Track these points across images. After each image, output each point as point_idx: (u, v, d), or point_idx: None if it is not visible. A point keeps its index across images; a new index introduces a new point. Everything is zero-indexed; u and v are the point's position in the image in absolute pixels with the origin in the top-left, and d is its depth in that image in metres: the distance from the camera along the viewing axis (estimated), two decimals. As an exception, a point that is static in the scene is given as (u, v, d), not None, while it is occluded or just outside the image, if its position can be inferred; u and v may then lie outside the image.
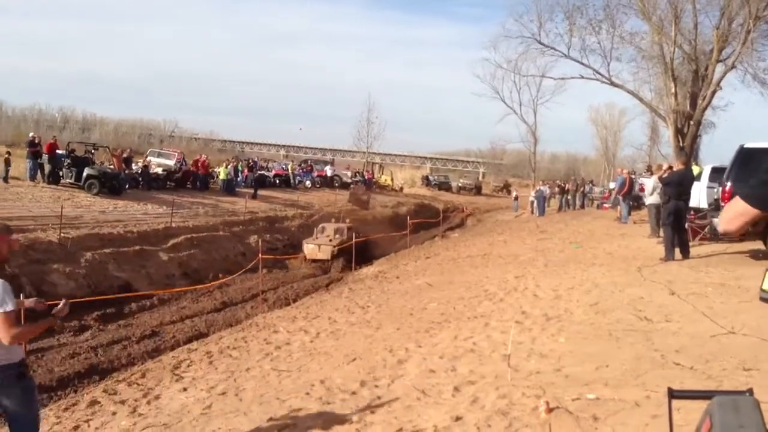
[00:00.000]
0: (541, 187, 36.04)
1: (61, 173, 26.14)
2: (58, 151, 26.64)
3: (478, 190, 69.97)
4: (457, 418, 5.00)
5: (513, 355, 6.35)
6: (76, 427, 6.45)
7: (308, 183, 45.89)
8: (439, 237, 30.21)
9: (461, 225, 39.61)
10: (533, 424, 4.70)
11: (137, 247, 19.49)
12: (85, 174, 25.69)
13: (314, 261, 22.22)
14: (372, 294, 13.19)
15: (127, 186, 27.71)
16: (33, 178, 26.16)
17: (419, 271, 16.00)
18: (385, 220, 34.78)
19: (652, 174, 19.61)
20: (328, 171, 50.61)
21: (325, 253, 22.16)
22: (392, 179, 60.02)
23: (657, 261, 12.23)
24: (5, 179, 25.28)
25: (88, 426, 6.47)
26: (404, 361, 7.08)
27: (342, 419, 5.41)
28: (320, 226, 24.57)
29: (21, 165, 27.74)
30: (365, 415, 5.44)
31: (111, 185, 26.14)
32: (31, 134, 28.55)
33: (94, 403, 7.38)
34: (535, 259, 14.68)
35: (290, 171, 45.89)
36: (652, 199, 16.80)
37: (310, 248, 22.55)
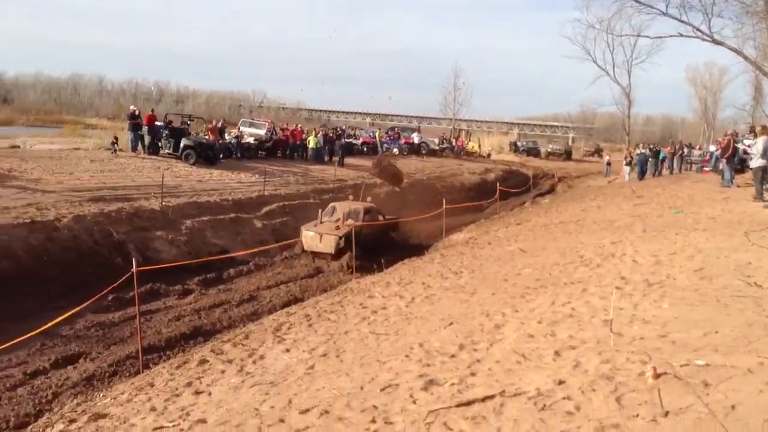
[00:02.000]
0: (642, 150, 34.72)
1: (160, 144, 27.15)
2: (156, 123, 27.64)
3: (568, 155, 68.27)
4: (560, 382, 4.98)
5: (615, 320, 6.25)
6: (189, 384, 6.80)
7: (395, 150, 45.96)
8: (529, 203, 29.77)
9: (551, 191, 38.86)
10: (640, 389, 4.62)
11: (232, 215, 20.13)
12: (182, 144, 26.62)
13: (314, 254, 17.37)
14: (464, 259, 13.18)
15: (221, 156, 28.52)
16: (134, 149, 27.28)
17: (511, 237, 15.85)
18: (458, 190, 33.84)
19: (756, 136, 18.61)
20: (415, 138, 50.45)
21: (327, 245, 17.02)
22: (479, 146, 59.31)
23: (765, 226, 11.68)
24: (114, 151, 26.46)
25: (200, 383, 6.80)
26: (501, 325, 7.07)
27: (443, 380, 5.47)
28: (331, 205, 19.25)
29: (122, 137, 28.99)
30: (466, 377, 5.49)
31: (206, 155, 26.98)
32: (131, 107, 29.68)
33: (203, 361, 7.74)
34: (632, 225, 14.27)
35: (377, 139, 46.07)
36: (759, 161, 15.98)
37: (309, 237, 17.43)
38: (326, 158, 35.15)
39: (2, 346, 9.33)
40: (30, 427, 6.84)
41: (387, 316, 8.69)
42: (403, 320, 8.30)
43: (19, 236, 13.93)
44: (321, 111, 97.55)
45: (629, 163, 35.63)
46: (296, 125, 39.91)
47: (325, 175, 30.20)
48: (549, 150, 68.29)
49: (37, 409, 8.11)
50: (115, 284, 10.29)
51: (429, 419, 4.64)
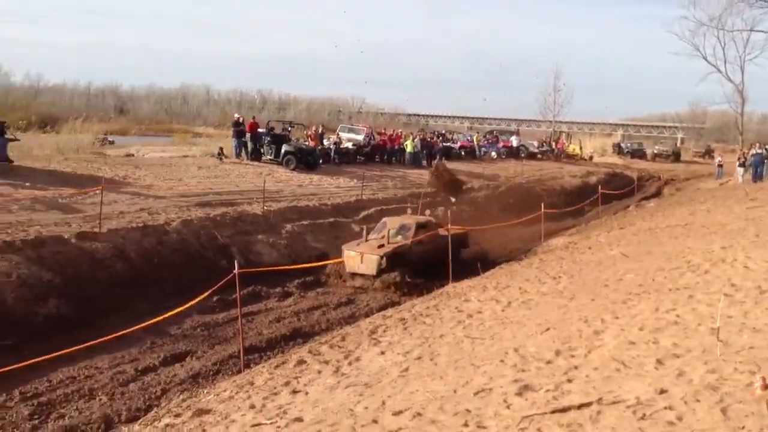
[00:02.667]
0: (757, 151, 32.85)
1: (262, 150, 28.01)
2: (259, 130, 28.55)
3: (676, 156, 65.40)
4: (662, 391, 4.79)
5: (722, 328, 5.95)
6: (287, 383, 6.98)
7: (494, 154, 45.48)
8: (633, 207, 28.77)
9: (657, 194, 37.38)
10: (747, 400, 4.39)
11: (331, 219, 20.51)
12: (283, 150, 27.36)
13: (355, 276, 15.38)
14: (563, 264, 12.90)
15: (320, 161, 29.10)
16: (238, 155, 28.25)
17: (613, 241, 15.38)
18: (558, 194, 32.83)
19: None
20: (514, 141, 49.78)
21: (368, 266, 15.05)
22: (581, 148, 57.82)
23: None
24: (220, 158, 27.49)
25: (297, 382, 6.97)
26: (601, 332, 6.87)
27: (538, 386, 5.38)
28: (382, 221, 17.21)
29: (227, 144, 30.11)
30: (562, 383, 5.37)
31: (306, 161, 27.61)
32: (236, 115, 30.80)
33: (301, 362, 7.94)
34: (744, 229, 13.54)
35: (475, 142, 45.76)
36: None
37: (350, 257, 15.46)
38: (423, 162, 35.21)
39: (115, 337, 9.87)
40: (140, 420, 7.19)
41: (482, 321, 8.62)
42: (499, 324, 8.21)
43: (133, 239, 14.72)
44: (419, 115, 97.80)
45: (743, 164, 33.79)
46: (393, 130, 40.22)
47: (423, 180, 30.25)
48: (655, 151, 65.68)
49: (147, 404, 8.55)
50: (217, 286, 10.66)
51: (523, 425, 4.57)
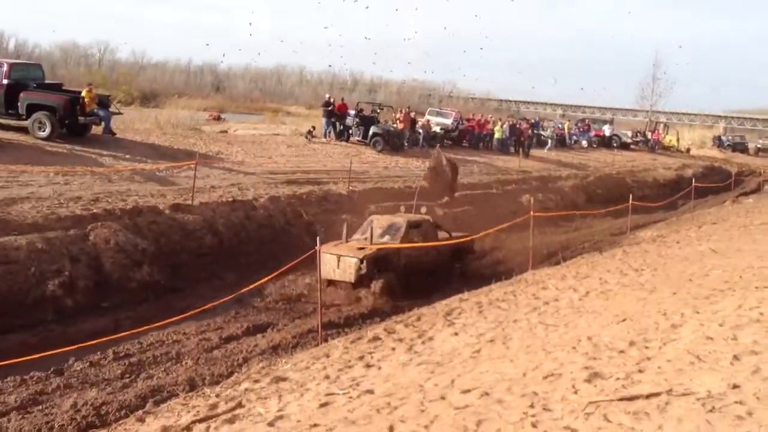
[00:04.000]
0: None
1: (350, 131, 28.44)
2: (348, 111, 28.97)
3: (781, 151, 62.03)
4: (735, 386, 4.70)
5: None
6: (361, 357, 7.21)
7: (584, 143, 44.44)
8: (729, 202, 27.63)
9: (757, 190, 35.72)
10: (825, 401, 4.27)
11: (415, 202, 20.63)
12: (371, 132, 27.70)
13: (331, 285, 13.08)
14: (647, 257, 12.62)
15: (407, 144, 29.27)
16: (326, 135, 28.77)
17: (703, 236, 14.91)
18: (650, 186, 31.71)
19: None
20: (607, 130, 48.42)
21: (345, 271, 12.68)
22: (677, 140, 55.67)
23: None
24: (309, 138, 28.05)
25: (371, 357, 7.18)
26: (678, 325, 6.75)
27: (608, 374, 5.37)
28: (369, 219, 14.68)
29: (317, 124, 30.72)
30: (633, 373, 5.33)
31: (394, 143, 27.87)
32: (326, 96, 31.35)
33: (375, 338, 8.15)
34: None
35: (566, 130, 44.82)
36: None
37: (324, 260, 12.20)
38: (511, 149, 34.84)
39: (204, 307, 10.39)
40: (221, 384, 7.57)
41: (558, 308, 8.59)
42: (575, 313, 8.17)
43: (222, 213, 15.32)
44: (510, 101, 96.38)
45: None
46: (482, 115, 39.92)
47: (509, 166, 30.01)
48: (759, 146, 62.52)
49: (229, 370, 9.00)
50: (298, 260, 11.03)
51: (588, 410, 4.60)
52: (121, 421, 6.38)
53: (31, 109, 18.36)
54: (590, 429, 4.38)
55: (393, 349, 7.54)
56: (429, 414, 4.98)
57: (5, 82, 18.05)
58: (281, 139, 27.62)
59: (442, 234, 14.85)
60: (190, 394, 6.89)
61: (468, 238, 15.07)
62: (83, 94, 19.59)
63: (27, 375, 8.56)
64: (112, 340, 9.38)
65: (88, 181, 15.73)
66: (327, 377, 6.59)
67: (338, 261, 12.73)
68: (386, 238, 13.69)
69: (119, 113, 22.70)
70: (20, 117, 18.44)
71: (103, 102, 20.77)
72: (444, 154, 21.61)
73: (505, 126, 36.10)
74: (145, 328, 9.77)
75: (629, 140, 48.34)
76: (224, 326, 10.88)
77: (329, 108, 28.81)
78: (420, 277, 13.72)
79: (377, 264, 12.85)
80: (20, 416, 7.62)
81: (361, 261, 12.56)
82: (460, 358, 6.71)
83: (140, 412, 6.41)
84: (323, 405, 5.61)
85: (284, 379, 6.76)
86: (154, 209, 14.49)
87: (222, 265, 13.99)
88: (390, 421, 4.92)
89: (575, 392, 5.06)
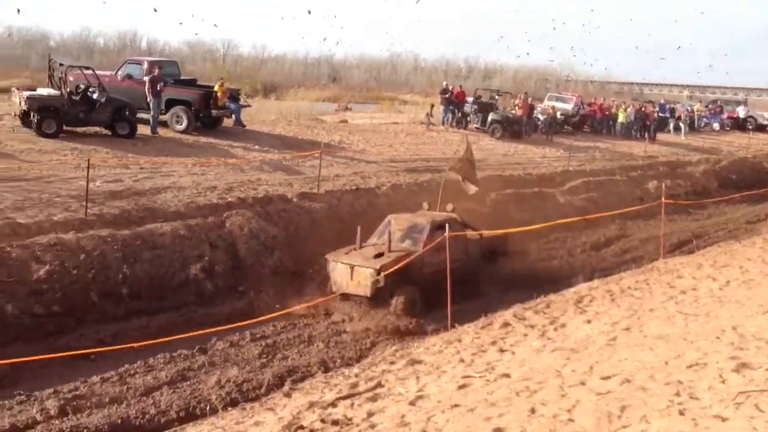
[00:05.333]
0: None
1: (468, 118, 28.36)
2: (467, 98, 28.89)
3: None
4: None
5: None
6: (494, 342, 7.30)
7: (716, 125, 42.13)
8: None
9: None
10: None
11: (536, 189, 20.36)
12: (489, 119, 27.50)
13: (344, 298, 11.29)
14: (791, 246, 11.96)
15: (525, 130, 28.84)
16: (444, 123, 28.81)
17: None
18: None
19: None
20: (741, 112, 45.63)
21: (360, 284, 11.01)
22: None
23: None
24: (428, 121, 28.23)
25: (504, 342, 7.26)
26: (832, 316, 6.42)
27: (757, 365, 5.20)
28: (387, 219, 12.69)
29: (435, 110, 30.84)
30: (784, 364, 5.15)
31: (512, 130, 27.53)
32: (444, 83, 31.39)
33: (506, 324, 8.20)
34: None
35: (695, 113, 42.64)
36: None
37: (337, 270, 11.37)
38: (636, 134, 33.58)
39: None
40: (357, 365, 7.85)
41: (697, 297, 8.33)
42: (715, 303, 7.90)
43: (346, 201, 15.73)
44: (632, 84, 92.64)
45: None
46: (604, 99, 38.69)
47: (634, 152, 28.96)
48: None
49: (358, 354, 9.37)
50: (430, 246, 11.13)
51: (739, 399, 4.49)
52: (270, 395, 6.77)
53: (170, 103, 19.54)
54: (742, 418, 4.28)
55: (525, 335, 7.58)
56: (570, 398, 5.00)
57: (146, 78, 19.24)
58: (400, 128, 27.90)
59: (470, 234, 13.03)
60: (329, 373, 7.21)
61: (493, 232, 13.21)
62: (216, 88, 20.61)
63: (175, 353, 9.24)
64: (249, 324, 9.91)
65: (222, 171, 16.57)
66: (462, 361, 6.72)
67: (351, 272, 11.14)
68: (407, 242, 11.91)
69: (248, 106, 23.69)
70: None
71: (234, 95, 21.77)
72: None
73: (629, 110, 34.81)
74: (280, 313, 10.24)
75: (766, 122, 45.35)
76: (353, 314, 11.17)
77: (447, 95, 28.82)
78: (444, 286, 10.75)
79: (398, 274, 10.83)
80: (171, 390, 8.27)
81: (378, 272, 10.82)
82: (595, 345, 6.66)
83: (286, 387, 6.79)
84: (461, 387, 5.74)
85: (419, 362, 6.94)
86: (282, 197, 15.07)
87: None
88: (531, 403, 5.00)
89: (723, 382, 4.95)
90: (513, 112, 29.84)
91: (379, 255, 11.30)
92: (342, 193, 16.08)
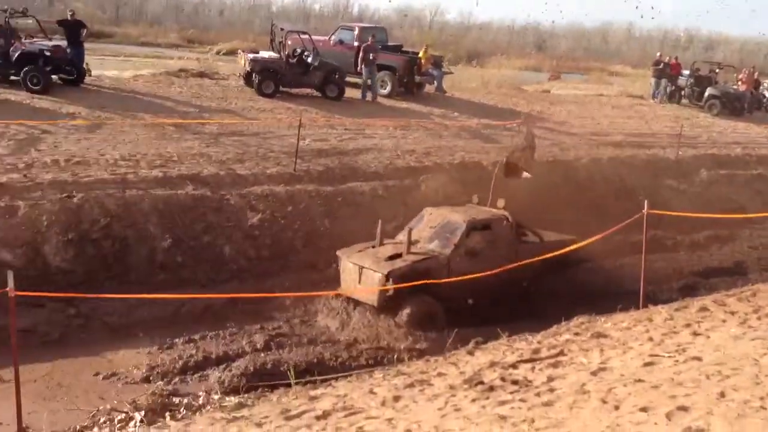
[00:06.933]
0: None
1: (682, 92, 26.61)
2: (682, 71, 27.09)
3: None
4: None
5: None
6: (688, 325, 6.96)
7: None
8: None
9: None
10: None
11: (755, 171, 18.81)
12: (707, 94, 25.64)
13: (351, 302, 9.81)
14: None
15: (747, 107, 26.49)
16: (655, 96, 27.24)
17: None
18: None
19: None
20: None
21: (366, 290, 9.54)
22: None
23: None
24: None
25: (699, 326, 6.90)
26: None
27: None
28: (422, 211, 10.88)
29: (645, 85, 29.26)
30: None
31: (733, 106, 25.45)
32: (657, 54, 29.63)
33: (703, 309, 7.76)
34: None
35: None
36: None
37: (347, 269, 9.97)
38: None
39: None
40: (542, 332, 7.72)
41: None
42: None
43: (540, 173, 15.41)
44: None
45: None
46: None
47: None
48: None
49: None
50: (624, 224, 10.44)
51: None
52: (453, 352, 7.00)
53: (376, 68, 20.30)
54: None
55: (723, 321, 7.15)
56: (765, 387, 4.73)
57: (356, 44, 20.10)
58: (605, 100, 26.85)
59: (529, 238, 10.91)
60: (513, 337, 7.28)
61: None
62: (420, 54, 21.08)
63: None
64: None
65: (420, 136, 17.02)
66: (650, 339, 6.52)
67: (360, 274, 9.64)
68: (435, 243, 10.05)
69: (450, 73, 24.02)
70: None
71: (437, 62, 22.17)
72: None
73: None
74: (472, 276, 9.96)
75: None
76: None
77: (660, 67, 27.17)
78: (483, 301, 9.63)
79: (413, 281, 9.16)
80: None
81: (387, 278, 9.23)
82: (805, 338, 6.15)
83: (470, 345, 6.96)
84: (647, 364, 5.60)
85: (605, 336, 6.83)
86: (478, 165, 15.21)
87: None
88: (721, 387, 4.79)
89: None
90: (735, 87, 27.49)
91: (396, 256, 9.68)
92: (537, 164, 15.81)
